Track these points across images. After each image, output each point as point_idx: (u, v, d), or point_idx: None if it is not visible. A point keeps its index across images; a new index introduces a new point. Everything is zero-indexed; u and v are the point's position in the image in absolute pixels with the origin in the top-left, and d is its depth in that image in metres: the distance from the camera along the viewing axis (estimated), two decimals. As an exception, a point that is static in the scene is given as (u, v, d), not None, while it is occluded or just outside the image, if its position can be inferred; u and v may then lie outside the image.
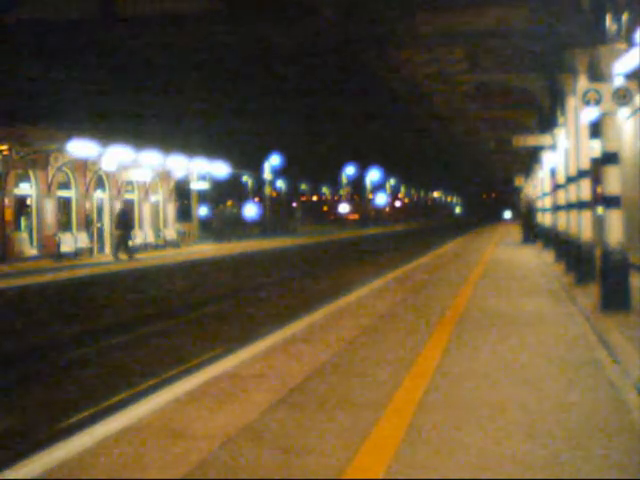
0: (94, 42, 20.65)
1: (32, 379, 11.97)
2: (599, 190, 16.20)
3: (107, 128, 29.73)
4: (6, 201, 24.55)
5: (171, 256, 26.82)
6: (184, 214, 39.24)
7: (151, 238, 31.68)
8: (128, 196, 32.33)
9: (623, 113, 14.60)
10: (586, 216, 14.81)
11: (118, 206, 31.38)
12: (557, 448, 4.71)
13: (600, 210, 15.51)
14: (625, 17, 10.84)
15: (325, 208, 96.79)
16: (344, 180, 76.37)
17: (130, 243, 26.63)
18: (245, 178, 49.07)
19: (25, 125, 26.02)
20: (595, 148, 14.28)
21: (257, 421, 5.41)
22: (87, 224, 28.73)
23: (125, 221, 26.61)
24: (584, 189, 14.74)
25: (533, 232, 33.49)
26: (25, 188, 26.17)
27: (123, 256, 25.68)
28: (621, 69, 10.58)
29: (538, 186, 34.14)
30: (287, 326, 10.28)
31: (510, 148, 30.71)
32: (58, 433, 8.20)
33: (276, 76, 29.28)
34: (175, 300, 20.21)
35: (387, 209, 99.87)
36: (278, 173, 54.25)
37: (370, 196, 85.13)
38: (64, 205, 28.16)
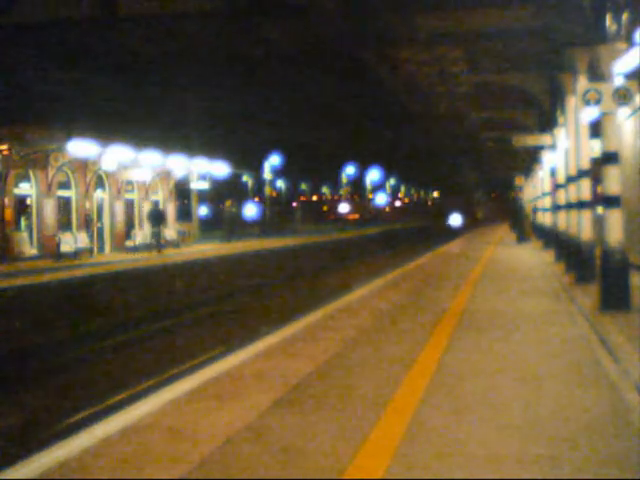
0: (94, 42, 20.65)
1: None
2: (599, 190, 16.20)
3: (107, 128, 29.69)
4: (6, 201, 24.54)
5: (171, 256, 26.82)
6: (184, 214, 39.21)
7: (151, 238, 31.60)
8: (128, 196, 32.30)
9: (623, 113, 14.61)
10: (586, 216, 14.81)
11: (119, 206, 31.39)
12: (557, 448, 4.71)
13: (600, 210, 15.51)
14: (625, 17, 10.84)
15: (325, 208, 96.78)
16: (344, 180, 76.33)
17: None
18: (245, 178, 49.05)
19: (25, 125, 25.99)
20: (595, 148, 14.28)
21: (257, 421, 5.41)
22: (87, 224, 28.72)
23: (156, 217, 27.97)
24: (584, 189, 14.74)
25: (523, 231, 34.18)
26: (25, 188, 26.15)
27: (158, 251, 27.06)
28: (621, 69, 10.58)
29: (538, 186, 34.15)
30: (287, 325, 10.28)
31: (510, 148, 30.71)
32: (58, 433, 8.20)
33: (276, 76, 29.27)
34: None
35: (387, 209, 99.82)
36: (278, 173, 54.25)
37: (370, 196, 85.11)
38: (64, 205, 28.14)
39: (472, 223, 64.26)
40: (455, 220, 60.35)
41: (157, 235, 28.87)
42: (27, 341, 14.90)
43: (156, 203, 30.54)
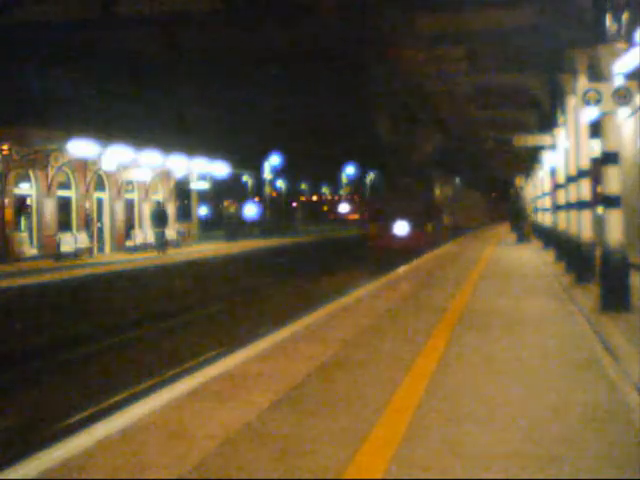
0: (94, 42, 20.65)
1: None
2: (599, 190, 16.20)
3: (107, 128, 29.68)
4: (6, 201, 24.54)
5: (171, 256, 26.81)
6: (184, 214, 39.21)
7: (151, 238, 31.61)
8: (128, 196, 32.29)
9: (623, 113, 14.60)
10: (586, 216, 14.81)
11: (119, 206, 31.38)
12: (557, 448, 4.71)
13: (600, 210, 15.51)
14: (625, 17, 10.85)
15: (325, 208, 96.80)
16: (344, 180, 76.34)
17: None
18: (245, 178, 49.07)
19: (25, 125, 25.98)
20: (595, 148, 14.28)
21: (257, 421, 5.41)
22: (87, 224, 28.71)
23: (160, 218, 28.28)
24: (584, 189, 14.74)
25: (522, 231, 34.32)
26: (25, 188, 26.15)
27: (158, 252, 27.82)
28: (621, 69, 10.58)
29: (538, 186, 34.16)
30: (287, 325, 10.28)
31: (510, 148, 30.73)
32: (58, 433, 8.20)
33: (275, 76, 29.26)
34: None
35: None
36: (278, 173, 54.30)
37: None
38: (64, 205, 28.13)
39: (431, 237, 34.56)
40: (400, 229, 34.11)
41: (161, 236, 28.84)
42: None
43: (159, 203, 30.56)
